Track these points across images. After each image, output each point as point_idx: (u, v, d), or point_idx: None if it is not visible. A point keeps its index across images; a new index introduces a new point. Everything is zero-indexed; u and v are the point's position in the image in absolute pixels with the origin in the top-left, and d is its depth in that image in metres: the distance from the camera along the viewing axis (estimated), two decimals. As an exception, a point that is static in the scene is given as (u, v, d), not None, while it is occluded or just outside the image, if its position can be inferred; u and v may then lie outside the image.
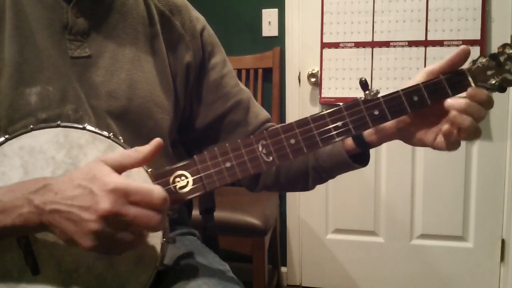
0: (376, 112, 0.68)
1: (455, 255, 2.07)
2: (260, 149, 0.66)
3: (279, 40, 2.14)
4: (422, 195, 2.08)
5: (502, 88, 0.70)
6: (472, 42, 1.89)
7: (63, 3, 0.72)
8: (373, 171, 2.11)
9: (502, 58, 0.69)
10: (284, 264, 2.27)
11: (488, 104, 0.66)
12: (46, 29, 0.71)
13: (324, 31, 2.03)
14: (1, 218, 0.58)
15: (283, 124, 0.69)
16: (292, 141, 0.67)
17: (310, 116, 0.68)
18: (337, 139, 0.68)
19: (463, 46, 0.69)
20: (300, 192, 2.19)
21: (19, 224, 0.58)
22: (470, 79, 0.69)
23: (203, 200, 1.03)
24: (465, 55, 0.69)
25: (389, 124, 0.71)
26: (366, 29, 1.99)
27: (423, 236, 2.10)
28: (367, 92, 0.68)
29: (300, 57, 2.13)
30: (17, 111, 0.68)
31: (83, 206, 0.55)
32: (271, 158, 0.67)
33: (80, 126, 0.65)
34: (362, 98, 0.68)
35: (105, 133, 0.65)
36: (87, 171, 0.58)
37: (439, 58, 1.92)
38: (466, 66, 0.70)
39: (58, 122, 0.65)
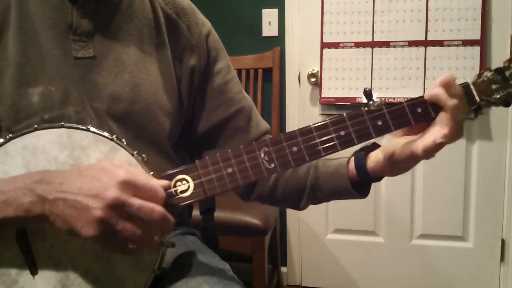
0: (380, 123, 0.67)
1: (455, 255, 2.07)
2: (262, 156, 0.66)
3: (279, 40, 2.14)
4: (422, 195, 2.08)
5: (507, 103, 0.69)
6: (472, 42, 1.89)
7: (68, 4, 0.72)
8: (373, 171, 2.11)
9: (507, 73, 0.69)
10: (284, 264, 2.27)
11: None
12: (50, 29, 0.71)
13: (324, 31, 2.03)
14: (3, 208, 0.58)
15: (285, 132, 0.68)
16: (294, 149, 0.67)
17: (313, 124, 0.68)
18: (339, 149, 0.67)
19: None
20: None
21: (21, 214, 0.58)
22: (474, 92, 0.68)
23: (204, 200, 1.03)
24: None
25: (396, 151, 0.69)
26: (366, 29, 1.99)
27: (423, 236, 2.10)
28: (370, 102, 0.68)
29: (300, 57, 2.13)
30: (20, 111, 0.68)
31: (90, 194, 0.57)
32: (272, 165, 0.67)
33: (84, 128, 0.65)
34: (366, 109, 0.68)
35: (108, 135, 0.66)
36: (95, 165, 0.60)
37: (439, 58, 1.92)
38: (471, 79, 0.70)
39: (62, 123, 0.65)
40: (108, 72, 0.74)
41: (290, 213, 2.23)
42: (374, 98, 0.68)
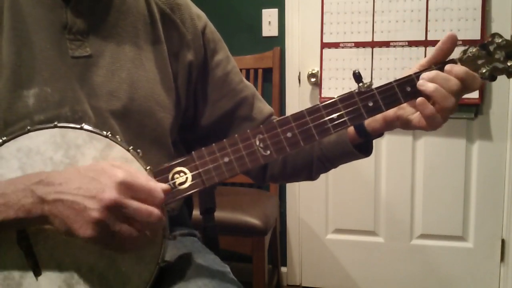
0: (371, 104, 0.69)
1: (455, 255, 2.07)
2: (258, 143, 0.67)
3: (279, 40, 2.14)
4: (422, 195, 2.08)
5: (492, 77, 0.72)
6: (472, 42, 1.88)
7: (61, 3, 0.72)
8: (373, 171, 2.11)
9: (491, 48, 0.71)
10: (284, 264, 2.27)
11: (466, 78, 0.68)
12: (45, 29, 0.71)
13: (324, 31, 2.03)
14: (4, 210, 0.58)
15: (279, 118, 0.69)
16: (289, 134, 0.68)
17: (306, 109, 0.69)
18: (333, 132, 0.69)
19: (449, 33, 0.70)
20: (300, 192, 2.19)
21: (22, 216, 0.58)
22: None
23: (204, 200, 1.03)
24: (453, 41, 0.70)
25: (389, 111, 0.72)
26: (366, 29, 1.99)
27: (423, 236, 2.10)
28: (361, 84, 0.69)
29: (300, 57, 2.13)
30: (15, 113, 0.68)
31: (87, 195, 0.57)
32: (268, 151, 0.67)
33: (77, 126, 0.65)
34: (356, 90, 0.69)
35: (103, 132, 0.65)
36: (94, 165, 0.60)
37: (439, 58, 1.92)
38: (457, 56, 0.72)
39: (55, 123, 0.65)
40: (105, 70, 0.74)
41: (290, 213, 2.23)
42: (363, 80, 0.70)
